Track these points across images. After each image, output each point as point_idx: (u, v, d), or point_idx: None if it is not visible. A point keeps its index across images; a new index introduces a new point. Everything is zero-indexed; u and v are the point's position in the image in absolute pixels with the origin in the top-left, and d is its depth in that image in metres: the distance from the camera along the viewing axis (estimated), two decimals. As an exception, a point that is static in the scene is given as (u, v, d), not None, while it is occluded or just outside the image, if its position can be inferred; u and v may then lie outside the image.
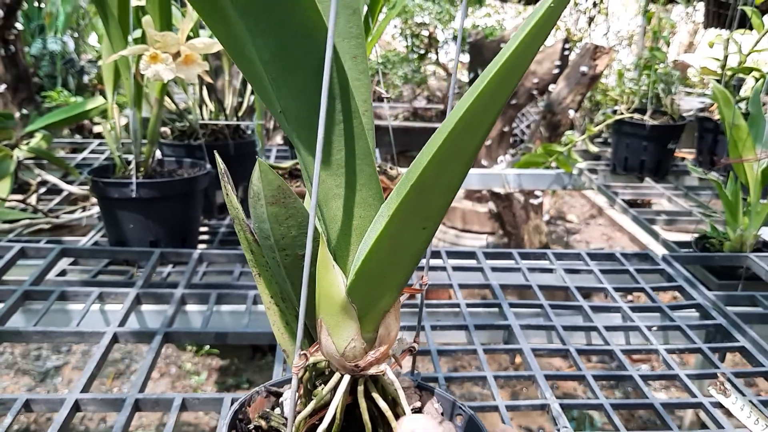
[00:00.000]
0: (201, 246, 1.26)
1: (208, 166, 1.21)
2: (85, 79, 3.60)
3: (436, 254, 1.13)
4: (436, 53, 3.91)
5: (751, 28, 1.67)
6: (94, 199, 1.43)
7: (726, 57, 1.71)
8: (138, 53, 1.01)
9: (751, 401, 0.77)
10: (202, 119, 1.34)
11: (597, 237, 3.72)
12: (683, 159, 2.00)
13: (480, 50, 3.12)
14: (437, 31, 3.79)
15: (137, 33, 1.14)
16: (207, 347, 2.41)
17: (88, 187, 1.47)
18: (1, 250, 1.04)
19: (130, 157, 1.13)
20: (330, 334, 0.36)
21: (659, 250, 1.29)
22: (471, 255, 1.14)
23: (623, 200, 1.61)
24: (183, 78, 1.01)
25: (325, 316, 0.36)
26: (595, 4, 4.14)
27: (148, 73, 0.98)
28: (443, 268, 1.08)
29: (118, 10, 1.06)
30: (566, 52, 3.39)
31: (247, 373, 2.36)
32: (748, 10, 1.61)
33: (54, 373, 2.33)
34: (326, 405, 0.37)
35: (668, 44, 1.76)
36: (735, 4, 2.61)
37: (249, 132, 1.45)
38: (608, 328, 0.94)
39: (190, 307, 0.95)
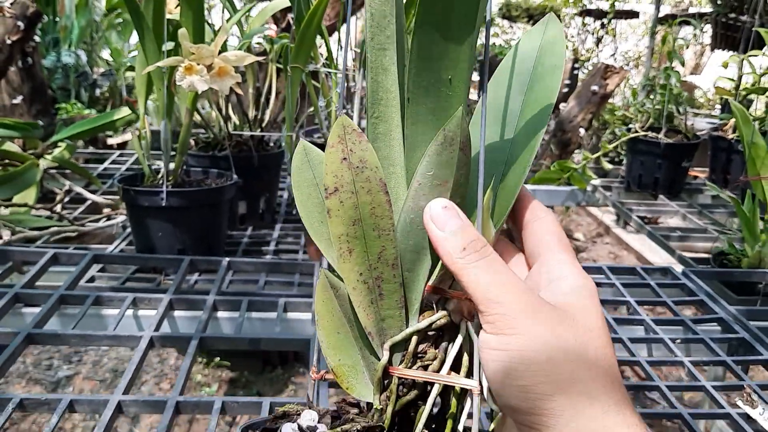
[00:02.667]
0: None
1: (235, 177, 1.23)
2: (97, 92, 3.64)
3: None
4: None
5: (761, 47, 1.70)
6: (117, 209, 1.45)
7: (740, 77, 1.74)
8: (173, 65, 1.03)
9: (777, 412, 0.79)
10: (227, 131, 1.36)
11: (604, 255, 3.74)
12: (696, 177, 2.02)
13: (490, 69, 3.16)
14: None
15: (169, 46, 1.16)
16: (217, 359, 2.42)
17: (112, 197, 1.49)
18: (34, 255, 1.06)
19: (157, 163, 1.14)
20: None
21: (675, 267, 1.31)
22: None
23: (638, 216, 1.63)
24: (217, 89, 1.03)
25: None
26: (603, 25, 4.19)
27: (183, 84, 1.01)
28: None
29: (153, 23, 1.08)
30: (576, 71, 3.43)
31: (257, 386, 2.36)
32: (762, 31, 1.64)
33: (65, 382, 2.33)
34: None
35: (683, 64, 1.78)
36: (744, 26, 2.64)
37: (271, 144, 1.47)
38: (632, 340, 0.95)
39: (222, 314, 0.96)
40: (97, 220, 1.40)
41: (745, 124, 1.24)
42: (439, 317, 0.40)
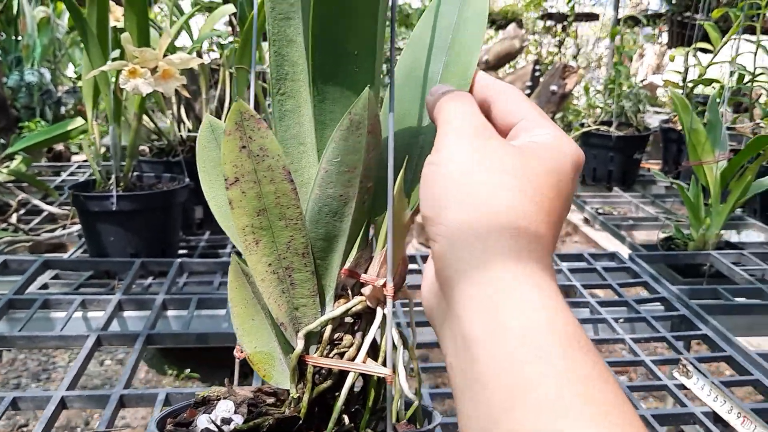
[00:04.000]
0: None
1: (187, 180, 1.24)
2: (62, 110, 3.61)
3: (412, 259, 1.16)
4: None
5: (708, 41, 1.75)
6: (74, 218, 1.45)
7: (687, 70, 1.78)
8: (117, 68, 1.04)
9: (712, 382, 0.82)
10: (180, 136, 1.37)
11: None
12: (649, 169, 2.06)
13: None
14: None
15: (116, 53, 1.17)
16: (187, 370, 2.41)
17: (68, 206, 1.49)
18: (-17, 263, 1.06)
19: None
20: (381, 264, 0.39)
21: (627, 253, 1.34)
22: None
23: (591, 209, 1.67)
24: (162, 92, 1.04)
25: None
26: (564, 28, 4.26)
27: (127, 87, 1.02)
28: (419, 271, 1.12)
29: (97, 29, 1.09)
30: (537, 74, 3.48)
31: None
32: (706, 24, 1.69)
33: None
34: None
35: (630, 59, 1.83)
36: (696, 24, 2.71)
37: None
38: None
39: (171, 312, 0.97)
40: (53, 230, 1.40)
41: (685, 112, 1.28)
42: (354, 303, 0.40)
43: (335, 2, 0.35)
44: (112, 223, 1.12)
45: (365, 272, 0.39)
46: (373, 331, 0.39)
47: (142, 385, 2.42)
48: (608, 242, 2.17)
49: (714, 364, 0.99)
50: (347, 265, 0.39)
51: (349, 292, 0.41)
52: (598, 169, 1.82)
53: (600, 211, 1.82)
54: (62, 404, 0.73)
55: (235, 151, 0.36)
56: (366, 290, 0.40)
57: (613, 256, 1.21)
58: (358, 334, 0.40)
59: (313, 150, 0.39)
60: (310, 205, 0.38)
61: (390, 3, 0.37)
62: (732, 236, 1.48)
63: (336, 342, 0.40)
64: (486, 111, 0.37)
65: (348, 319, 0.40)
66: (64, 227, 1.40)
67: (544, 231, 0.30)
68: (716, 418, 0.76)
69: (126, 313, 0.96)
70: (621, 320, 0.99)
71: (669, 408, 0.84)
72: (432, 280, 0.34)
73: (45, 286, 1.14)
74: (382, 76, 0.40)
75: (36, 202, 1.51)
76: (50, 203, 1.55)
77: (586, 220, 2.37)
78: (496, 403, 0.26)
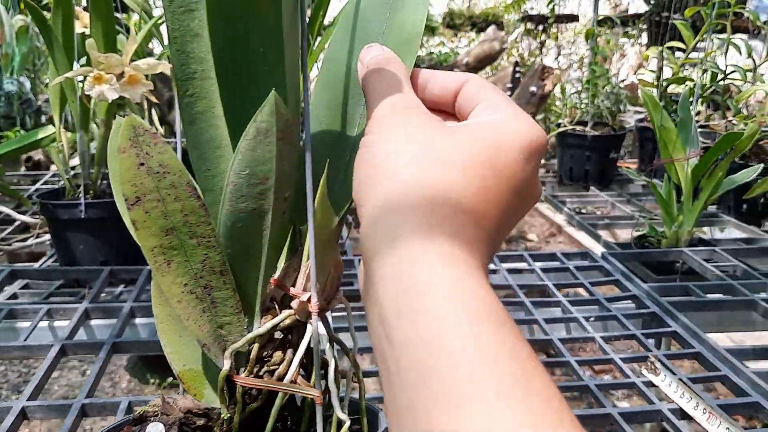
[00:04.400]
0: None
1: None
2: (43, 118, 3.59)
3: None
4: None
5: (682, 40, 1.76)
6: (45, 227, 1.43)
7: (660, 69, 1.79)
8: (83, 74, 1.03)
9: (680, 379, 0.82)
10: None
11: (558, 254, 3.80)
12: (628, 168, 2.07)
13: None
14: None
15: (83, 60, 1.16)
16: (170, 379, 2.39)
17: (39, 215, 1.47)
18: (-51, 274, 1.04)
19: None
20: (308, 277, 0.37)
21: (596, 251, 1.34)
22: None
23: (569, 209, 1.67)
24: (128, 97, 1.03)
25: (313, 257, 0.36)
26: (544, 30, 4.28)
27: (93, 93, 1.00)
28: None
29: (63, 36, 1.08)
30: (517, 75, 3.49)
31: (212, 403, 2.34)
32: (678, 23, 1.70)
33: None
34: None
35: (605, 59, 1.83)
36: (667, 19, 2.72)
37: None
38: (548, 321, 0.97)
39: (139, 320, 0.96)
40: (25, 239, 1.38)
41: (655, 110, 1.28)
42: (282, 318, 0.38)
43: (232, 4, 0.32)
44: (81, 231, 1.11)
45: (294, 283, 0.38)
46: (303, 347, 0.38)
47: (124, 394, 2.40)
48: (590, 242, 2.18)
49: (687, 360, 0.99)
50: (276, 275, 0.38)
51: (277, 307, 0.39)
52: (575, 169, 1.83)
53: (583, 210, 1.83)
54: (23, 414, 0.72)
55: (132, 169, 0.33)
56: (294, 303, 0.38)
57: (585, 255, 1.21)
58: (290, 351, 0.38)
59: (231, 153, 0.37)
60: (222, 220, 0.35)
61: None
62: (713, 233, 1.48)
63: (266, 359, 0.39)
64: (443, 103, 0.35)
65: (278, 334, 0.39)
66: (36, 236, 1.39)
67: (471, 206, 0.28)
68: (683, 415, 0.76)
69: (93, 322, 0.95)
70: (592, 319, 0.99)
71: (636, 406, 0.84)
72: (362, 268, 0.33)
73: (14, 296, 1.13)
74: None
75: (8, 211, 1.49)
76: (24, 212, 1.54)
77: (570, 220, 2.38)
78: (409, 386, 0.24)
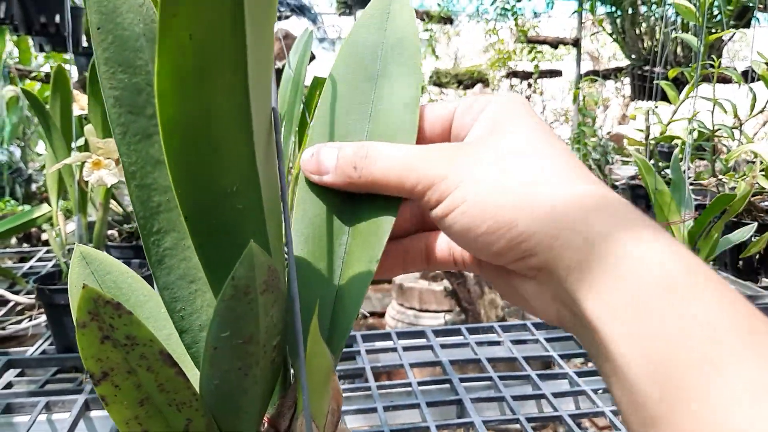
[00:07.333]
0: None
1: (156, 265, 1.22)
2: (33, 187, 3.59)
3: (386, 336, 1.15)
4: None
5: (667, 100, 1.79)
6: (41, 309, 1.41)
7: (648, 127, 1.82)
8: (81, 160, 1.03)
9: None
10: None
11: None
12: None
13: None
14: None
15: (81, 141, 1.17)
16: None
17: (35, 296, 1.45)
18: (-57, 366, 1.02)
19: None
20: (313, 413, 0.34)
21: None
22: (420, 334, 1.17)
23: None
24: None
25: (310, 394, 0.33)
26: (529, 85, 4.36)
27: (91, 179, 1.01)
28: (394, 349, 1.10)
29: (61, 121, 1.09)
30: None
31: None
32: (663, 84, 1.74)
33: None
34: None
35: (594, 120, 1.87)
36: (657, 77, 2.79)
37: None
38: (556, 395, 0.96)
39: (141, 409, 0.94)
40: (20, 322, 1.36)
41: (648, 174, 1.30)
42: None
43: (191, 135, 0.27)
44: (78, 316, 1.09)
45: (289, 425, 0.36)
46: None
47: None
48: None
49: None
50: (269, 413, 0.36)
51: None
52: (570, 229, 1.83)
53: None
54: None
55: (95, 345, 0.29)
56: None
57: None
58: None
59: (207, 287, 0.33)
60: (203, 382, 0.32)
61: (272, 117, 0.31)
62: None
63: None
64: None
65: None
66: (31, 318, 1.37)
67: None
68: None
69: (93, 413, 0.93)
70: (601, 391, 0.98)
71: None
72: (543, 296, 0.31)
73: (10, 385, 1.10)
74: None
75: (2, 291, 1.47)
76: (17, 292, 1.52)
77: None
78: None
